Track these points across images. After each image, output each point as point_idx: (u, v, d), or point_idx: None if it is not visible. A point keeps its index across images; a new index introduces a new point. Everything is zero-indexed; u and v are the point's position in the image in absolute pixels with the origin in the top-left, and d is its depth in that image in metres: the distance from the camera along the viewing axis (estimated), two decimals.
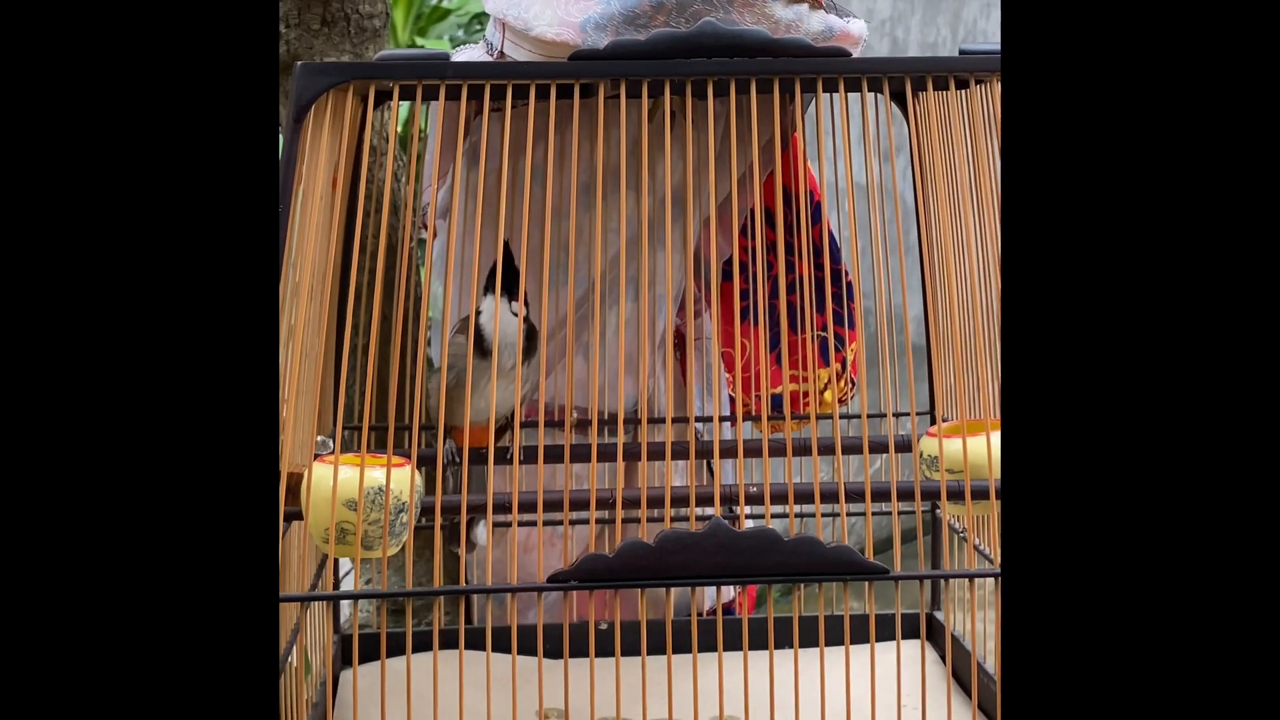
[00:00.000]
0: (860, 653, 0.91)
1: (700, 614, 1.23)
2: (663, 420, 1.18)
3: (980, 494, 0.86)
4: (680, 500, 0.87)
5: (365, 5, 1.25)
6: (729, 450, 1.05)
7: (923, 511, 1.18)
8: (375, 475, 0.82)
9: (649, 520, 0.86)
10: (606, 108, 0.89)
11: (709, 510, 0.88)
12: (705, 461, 1.15)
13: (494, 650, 1.07)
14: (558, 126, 0.89)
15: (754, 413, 1.20)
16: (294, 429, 0.86)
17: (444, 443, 1.07)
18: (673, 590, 0.81)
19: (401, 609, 1.28)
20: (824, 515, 0.88)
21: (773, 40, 0.86)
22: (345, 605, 1.28)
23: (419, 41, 2.63)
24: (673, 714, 0.83)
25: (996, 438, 0.92)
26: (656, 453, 1.07)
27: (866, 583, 0.81)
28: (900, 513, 0.92)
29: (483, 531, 1.14)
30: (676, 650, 1.06)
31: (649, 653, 0.90)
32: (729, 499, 0.90)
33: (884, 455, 0.91)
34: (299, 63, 0.86)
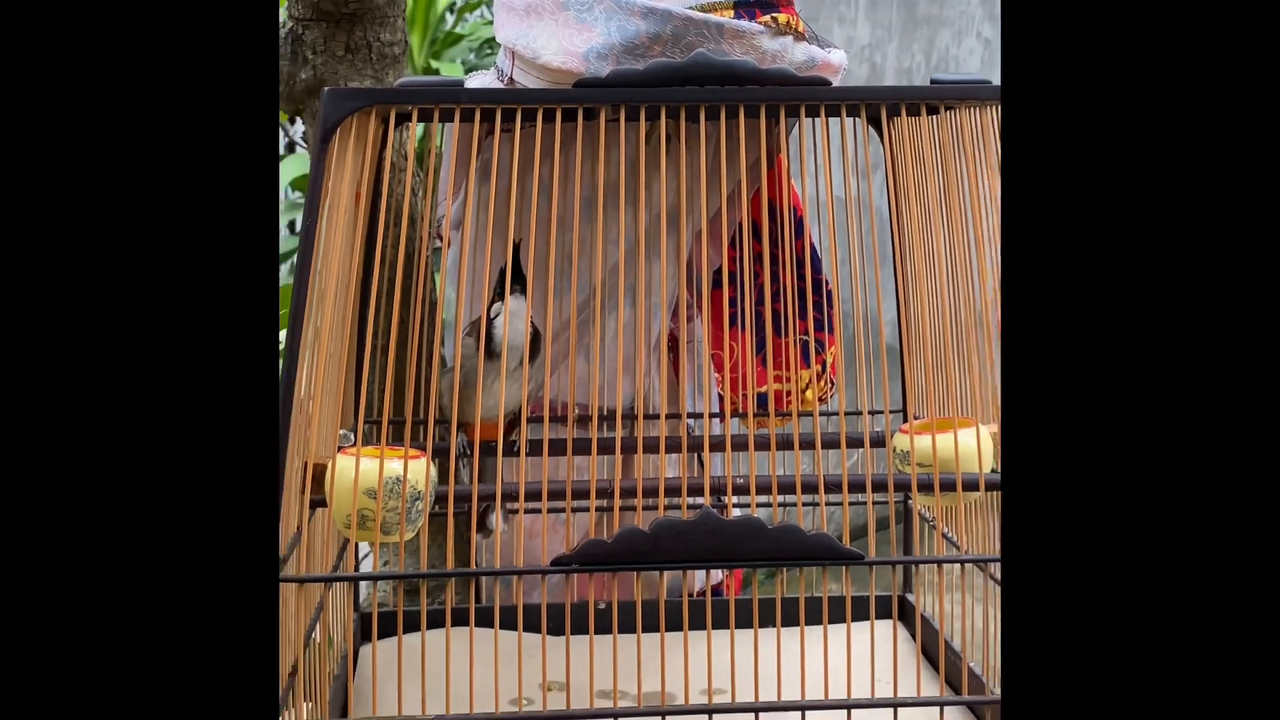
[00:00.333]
0: (838, 631, 0.91)
1: (691, 595, 1.23)
2: (657, 417, 1.18)
3: (948, 487, 0.87)
4: (673, 490, 0.87)
5: (386, 34, 1.25)
6: (718, 445, 1.06)
7: (895, 502, 1.18)
8: (393, 466, 0.82)
9: (644, 509, 0.86)
10: (607, 130, 0.89)
11: (699, 500, 0.89)
12: (696, 455, 1.16)
13: (501, 627, 1.07)
14: (562, 146, 0.90)
15: (741, 410, 1.20)
16: (319, 424, 0.86)
17: (456, 436, 1.08)
18: (665, 573, 0.81)
19: (416, 589, 1.28)
20: (805, 505, 0.88)
21: (760, 70, 0.86)
22: (365, 585, 1.28)
23: (434, 64, 2.62)
24: (665, 687, 0.83)
25: (965, 434, 0.93)
26: (651, 447, 1.07)
27: (844, 567, 0.81)
28: (875, 503, 0.93)
29: (495, 517, 1.15)
30: (669, 628, 1.06)
31: (644, 630, 0.91)
32: (718, 489, 0.90)
33: (860, 450, 0.91)
34: (326, 88, 0.86)
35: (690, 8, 1.05)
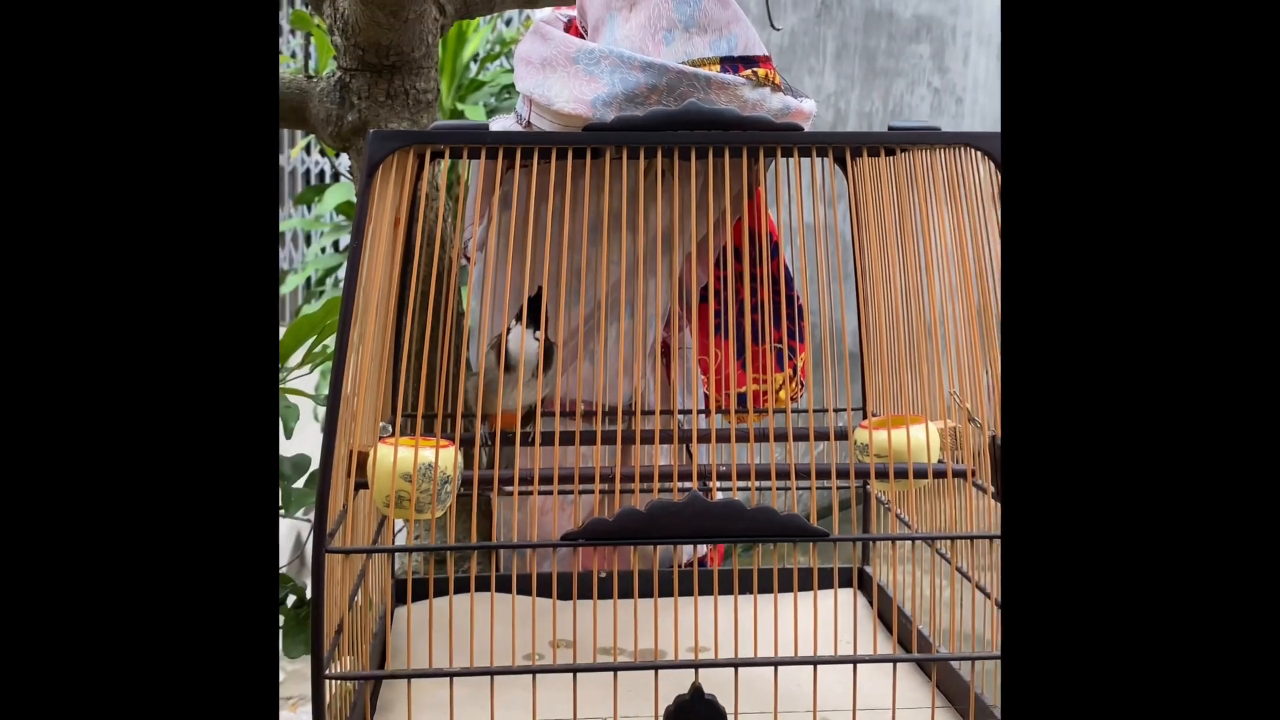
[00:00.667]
0: (805, 598, 0.91)
1: (680, 566, 1.24)
2: (652, 412, 1.18)
3: (901, 475, 0.87)
4: (665, 476, 0.88)
5: (421, 82, 1.25)
6: (704, 437, 1.06)
7: (855, 487, 1.19)
8: (426, 454, 0.82)
9: (641, 492, 0.86)
10: (610, 165, 0.89)
11: (688, 485, 0.89)
12: (685, 446, 1.16)
13: (517, 593, 1.08)
14: (571, 179, 0.90)
15: (724, 408, 1.20)
16: (361, 417, 0.87)
17: (480, 429, 1.08)
18: (658, 547, 0.81)
19: (444, 560, 1.28)
20: (778, 489, 0.89)
21: (742, 117, 0.86)
22: (400, 556, 1.28)
23: (460, 106, 2.61)
24: (658, 644, 0.84)
25: (916, 430, 0.93)
26: (647, 438, 1.08)
27: (811, 543, 0.81)
28: (838, 488, 0.93)
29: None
30: (661, 594, 1.07)
31: (639, 596, 0.91)
32: (704, 476, 0.91)
33: (825, 442, 0.92)
34: (371, 130, 0.86)
35: (682, 63, 1.06)
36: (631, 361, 1.18)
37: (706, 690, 0.80)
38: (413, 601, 1.14)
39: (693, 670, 0.80)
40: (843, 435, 1.04)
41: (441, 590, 1.11)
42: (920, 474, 0.88)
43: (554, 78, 1.06)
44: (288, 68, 2.26)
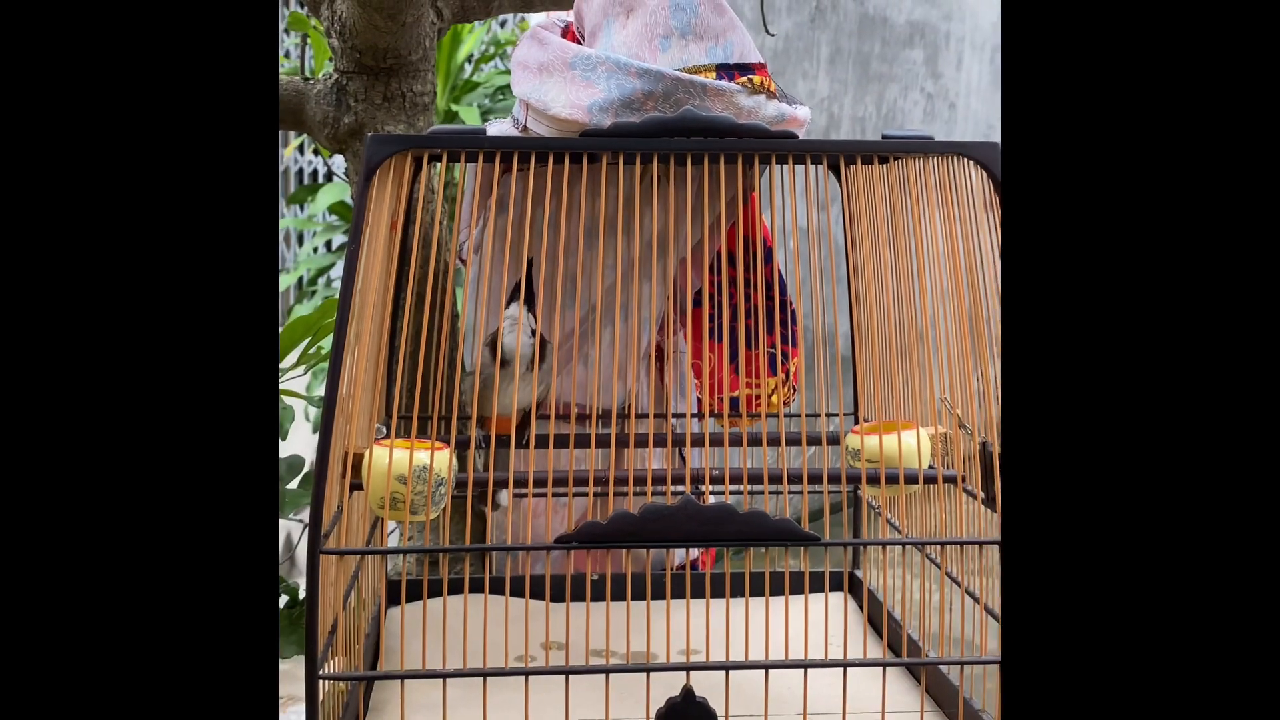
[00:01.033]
0: (796, 602, 0.92)
1: (672, 569, 1.24)
2: (646, 416, 1.19)
3: (892, 480, 0.87)
4: (658, 480, 0.88)
5: (417, 85, 1.26)
6: (697, 441, 1.07)
7: (846, 492, 1.19)
8: (420, 456, 0.82)
9: (634, 495, 0.87)
10: (605, 170, 0.89)
11: (681, 488, 0.90)
12: (678, 449, 1.16)
13: (510, 595, 1.08)
14: (567, 184, 0.90)
15: (716, 412, 1.21)
16: (356, 418, 0.87)
17: (476, 431, 1.08)
18: (651, 550, 0.82)
19: (437, 561, 1.29)
20: (770, 493, 0.89)
21: (737, 124, 0.86)
22: (394, 557, 1.28)
23: (454, 108, 2.62)
24: (649, 647, 0.84)
25: (906, 436, 0.94)
26: (640, 442, 1.08)
27: (802, 547, 0.81)
28: (829, 493, 0.94)
29: (504, 496, 1.15)
30: (653, 597, 1.07)
31: (631, 599, 0.91)
32: (696, 479, 0.91)
33: (817, 447, 0.92)
34: (370, 134, 0.86)
35: (678, 70, 1.06)
36: (625, 365, 1.19)
37: (697, 693, 0.80)
38: (406, 602, 1.14)
39: (684, 673, 0.80)
40: (834, 440, 1.04)
41: (435, 591, 1.11)
42: (910, 479, 0.89)
43: (551, 83, 1.06)
44: (283, 68, 2.26)
